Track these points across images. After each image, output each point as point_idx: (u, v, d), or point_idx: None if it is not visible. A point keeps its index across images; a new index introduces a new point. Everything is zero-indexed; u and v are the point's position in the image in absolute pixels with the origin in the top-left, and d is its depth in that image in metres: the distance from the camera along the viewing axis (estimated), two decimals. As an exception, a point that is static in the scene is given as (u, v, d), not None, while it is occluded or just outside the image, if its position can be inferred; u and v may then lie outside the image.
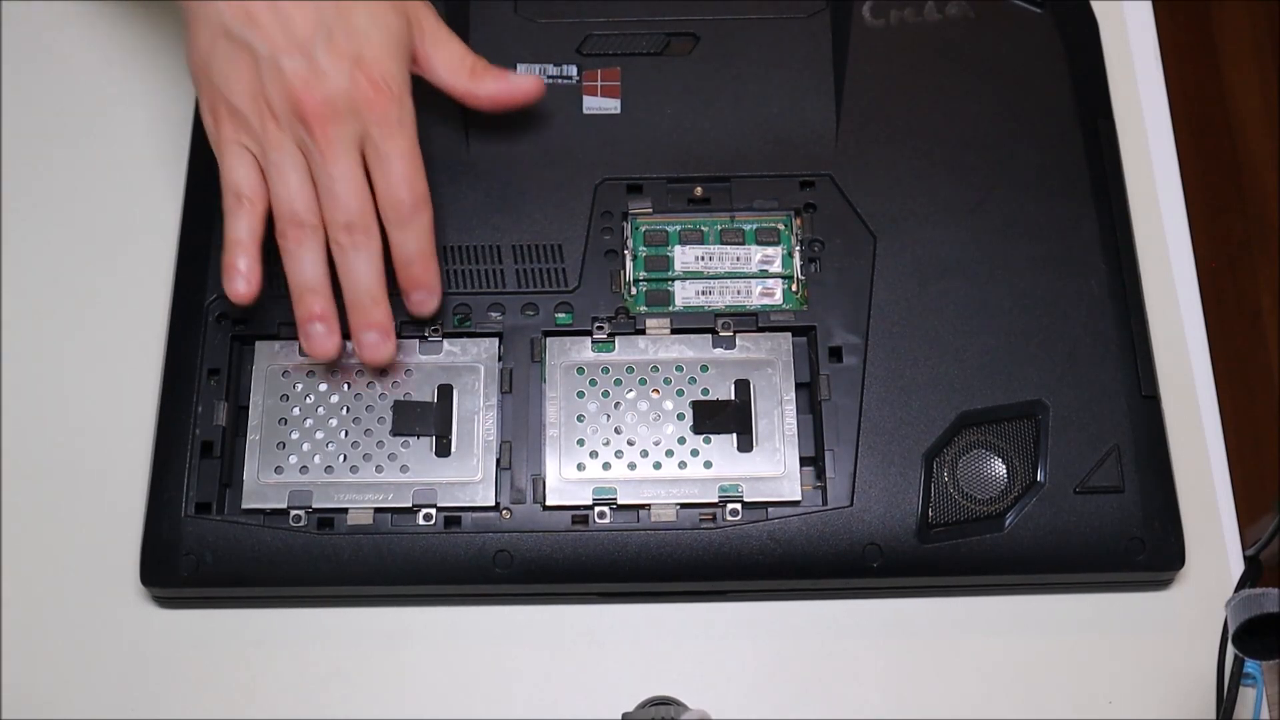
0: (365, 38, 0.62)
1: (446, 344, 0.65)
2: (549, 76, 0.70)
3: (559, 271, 0.66)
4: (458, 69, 0.66)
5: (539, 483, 0.63)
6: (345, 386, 0.64)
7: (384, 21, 0.62)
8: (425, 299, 0.64)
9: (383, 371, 0.64)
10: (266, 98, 0.61)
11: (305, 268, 0.62)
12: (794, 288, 0.67)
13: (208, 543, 0.61)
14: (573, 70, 0.70)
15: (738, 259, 0.67)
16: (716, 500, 0.62)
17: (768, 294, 0.67)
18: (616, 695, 0.62)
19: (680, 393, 0.64)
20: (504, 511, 0.63)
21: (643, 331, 0.65)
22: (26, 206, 0.71)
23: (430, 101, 0.69)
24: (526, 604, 0.63)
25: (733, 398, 0.64)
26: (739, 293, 0.67)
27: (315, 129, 0.61)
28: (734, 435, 0.64)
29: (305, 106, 0.61)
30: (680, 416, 0.64)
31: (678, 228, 0.68)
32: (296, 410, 0.64)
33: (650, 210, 0.68)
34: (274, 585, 0.62)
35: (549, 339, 0.65)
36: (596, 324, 0.65)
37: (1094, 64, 0.71)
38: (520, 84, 0.67)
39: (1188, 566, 0.62)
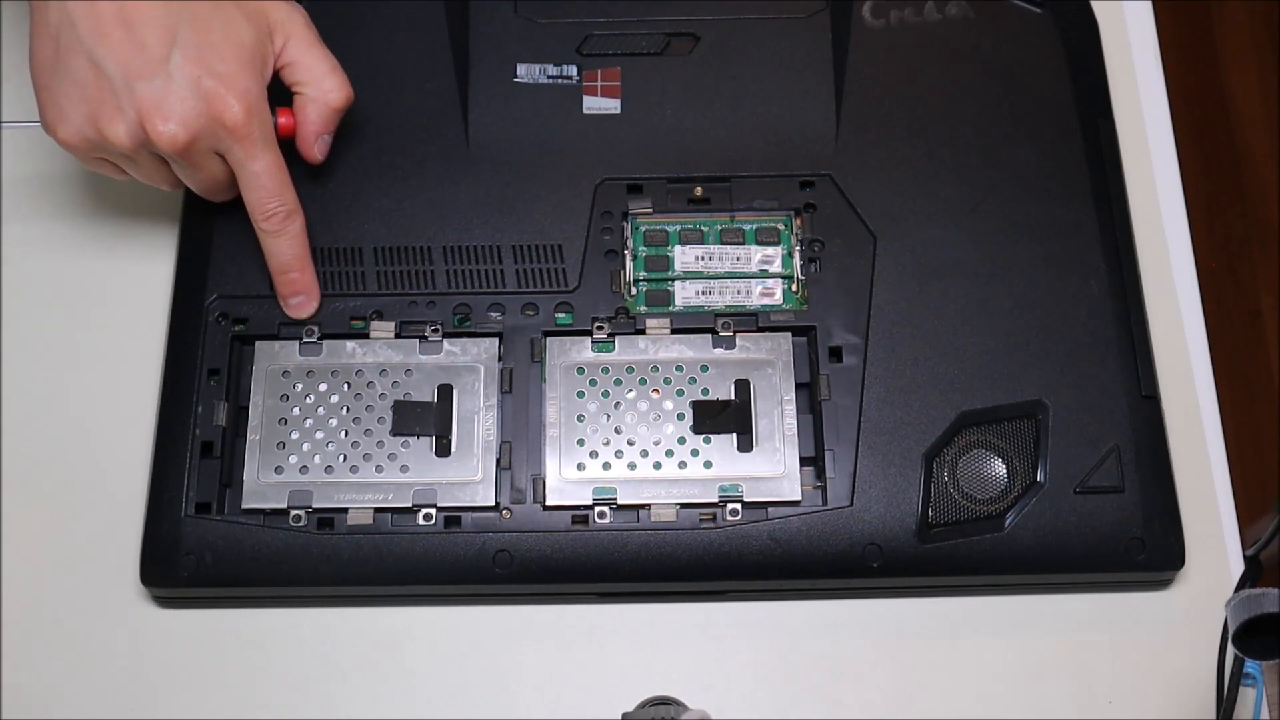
0: (219, 53, 0.60)
1: (446, 344, 0.65)
2: (549, 76, 0.70)
3: (559, 271, 0.66)
4: (321, 89, 0.64)
5: (539, 483, 0.63)
6: (345, 386, 0.64)
7: (238, 32, 0.61)
8: (304, 303, 0.65)
9: (383, 371, 0.64)
10: (120, 127, 0.60)
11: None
12: (794, 288, 0.67)
13: (208, 543, 0.61)
14: (573, 70, 0.70)
15: (738, 259, 0.67)
16: (716, 500, 0.62)
17: (768, 294, 0.67)
18: (616, 695, 0.62)
19: (680, 393, 0.64)
20: (504, 511, 0.63)
21: (643, 331, 0.65)
22: (27, 206, 0.71)
23: (430, 100, 0.69)
24: (526, 604, 0.63)
25: (733, 398, 0.64)
26: (739, 293, 0.67)
27: (175, 156, 0.61)
28: (734, 435, 0.64)
29: (162, 139, 0.60)
30: (680, 416, 0.64)
31: (678, 228, 0.68)
32: (296, 410, 0.64)
33: (650, 210, 0.68)
34: (274, 585, 0.62)
35: (549, 339, 0.65)
36: (596, 324, 0.65)
37: (1094, 64, 0.71)
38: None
39: (1188, 566, 0.63)
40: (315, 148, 0.65)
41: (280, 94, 0.64)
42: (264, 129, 0.62)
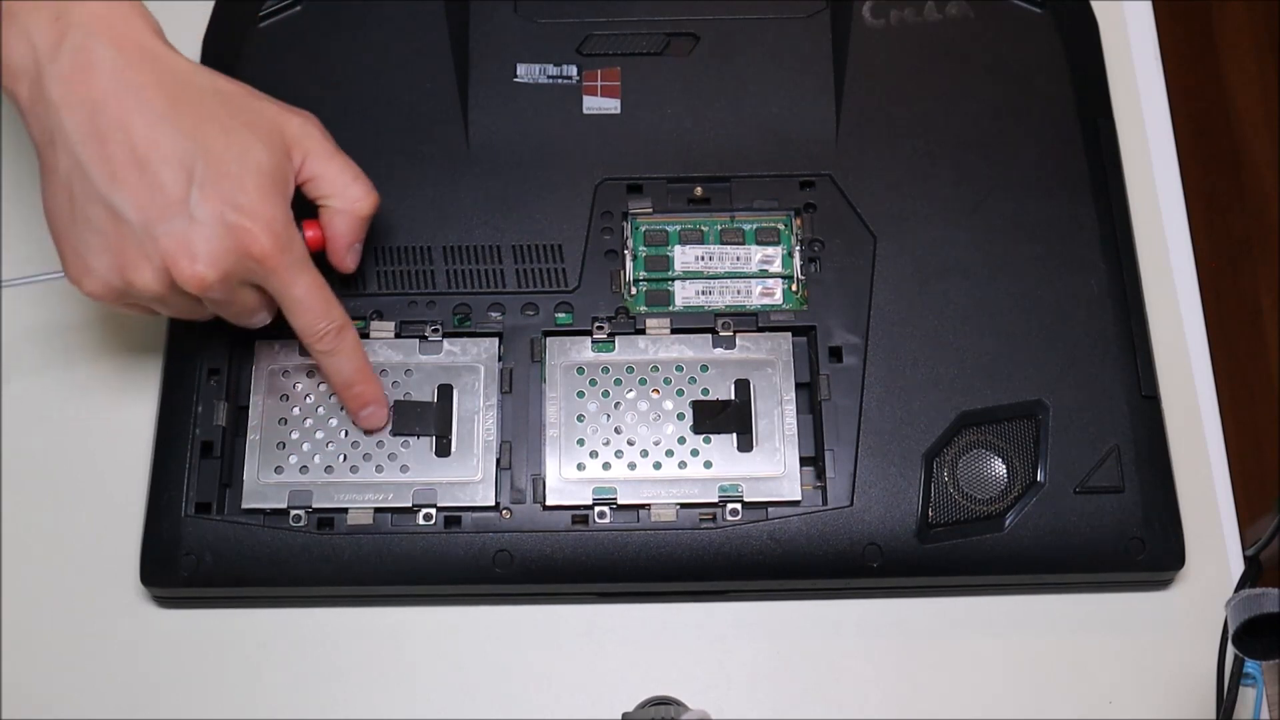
0: (238, 183, 0.57)
1: (446, 344, 0.65)
2: (549, 76, 0.70)
3: (559, 271, 0.66)
4: (346, 198, 0.62)
5: (539, 483, 0.63)
6: (345, 386, 0.64)
7: (255, 158, 0.58)
8: (375, 412, 0.63)
9: (382, 371, 0.64)
10: (147, 274, 0.57)
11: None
12: (794, 288, 0.67)
13: (208, 543, 0.61)
14: (573, 70, 0.70)
15: (738, 259, 0.67)
16: (716, 500, 0.62)
17: (768, 294, 0.67)
18: (616, 695, 0.62)
19: (680, 393, 0.64)
20: (504, 511, 0.63)
21: (643, 331, 0.65)
22: (27, 205, 0.71)
23: (430, 100, 0.69)
24: (526, 604, 0.63)
25: (733, 398, 0.64)
26: (739, 293, 0.67)
27: (205, 296, 0.58)
28: (734, 435, 0.64)
29: (191, 282, 0.57)
30: (680, 416, 0.64)
31: (678, 228, 0.68)
32: (296, 410, 0.64)
33: (650, 210, 0.68)
34: (274, 585, 0.62)
35: (549, 339, 0.65)
36: (596, 324, 0.65)
37: (1094, 64, 0.71)
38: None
39: (1188, 566, 0.62)
40: (347, 259, 0.63)
41: (305, 207, 0.62)
42: (296, 253, 0.59)
